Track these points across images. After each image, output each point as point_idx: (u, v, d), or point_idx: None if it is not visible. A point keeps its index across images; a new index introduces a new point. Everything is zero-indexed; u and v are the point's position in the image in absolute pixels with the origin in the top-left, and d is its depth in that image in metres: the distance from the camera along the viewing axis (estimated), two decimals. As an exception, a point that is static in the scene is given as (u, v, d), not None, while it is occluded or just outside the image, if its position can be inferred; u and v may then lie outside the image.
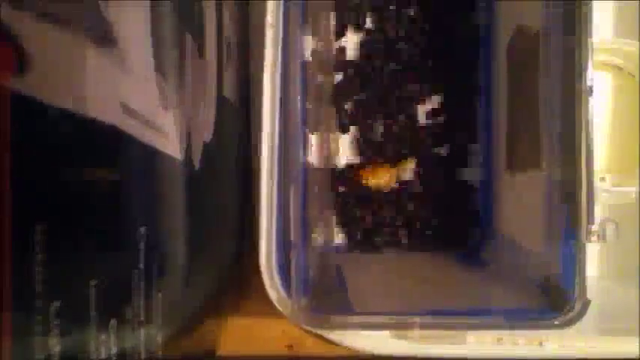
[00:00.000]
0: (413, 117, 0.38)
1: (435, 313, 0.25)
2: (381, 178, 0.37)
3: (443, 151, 0.38)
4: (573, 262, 0.24)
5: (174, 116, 0.21)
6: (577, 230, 0.24)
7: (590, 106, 0.24)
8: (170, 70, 0.21)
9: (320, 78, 0.35)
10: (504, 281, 0.30)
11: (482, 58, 0.37)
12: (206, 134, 0.26)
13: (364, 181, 0.37)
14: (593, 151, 0.24)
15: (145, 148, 0.18)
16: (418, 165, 0.38)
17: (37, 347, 0.12)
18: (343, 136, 0.38)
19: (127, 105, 0.16)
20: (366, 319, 0.26)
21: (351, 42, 0.38)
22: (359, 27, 0.38)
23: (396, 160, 0.38)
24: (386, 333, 0.26)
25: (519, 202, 0.32)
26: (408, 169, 0.37)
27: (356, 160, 0.38)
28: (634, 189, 0.33)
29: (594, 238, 0.24)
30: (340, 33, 0.38)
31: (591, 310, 0.24)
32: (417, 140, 0.38)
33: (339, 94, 0.38)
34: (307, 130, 0.30)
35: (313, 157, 0.36)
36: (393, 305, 0.27)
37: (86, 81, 0.14)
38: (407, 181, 0.38)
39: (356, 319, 0.25)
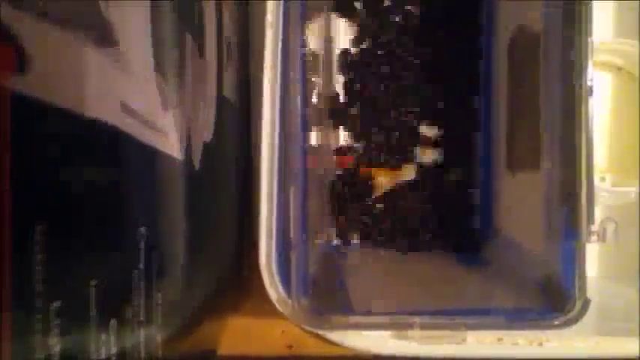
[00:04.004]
0: (412, 117, 0.38)
1: (434, 313, 0.25)
2: (385, 177, 0.37)
3: (442, 151, 0.38)
4: (573, 261, 0.24)
5: (174, 116, 0.21)
6: (577, 230, 0.24)
7: (590, 106, 0.24)
8: (170, 70, 0.21)
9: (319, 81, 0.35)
10: (504, 281, 0.30)
11: (482, 57, 0.37)
12: (206, 134, 0.26)
13: (372, 180, 0.37)
14: (593, 151, 0.24)
15: (145, 148, 0.18)
16: (417, 171, 0.38)
17: (37, 347, 0.12)
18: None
19: (127, 105, 0.16)
20: (366, 319, 0.26)
21: (349, 43, 0.38)
22: (357, 27, 0.38)
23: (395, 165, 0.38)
24: (386, 333, 0.26)
25: (519, 202, 0.32)
26: (407, 174, 0.37)
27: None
28: (634, 189, 0.33)
29: (594, 238, 0.24)
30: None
31: (591, 310, 0.24)
32: (416, 141, 0.38)
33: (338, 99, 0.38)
34: (307, 130, 0.30)
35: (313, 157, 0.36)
36: (393, 305, 0.27)
37: (86, 81, 0.14)
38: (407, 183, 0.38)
39: (356, 319, 0.25)
